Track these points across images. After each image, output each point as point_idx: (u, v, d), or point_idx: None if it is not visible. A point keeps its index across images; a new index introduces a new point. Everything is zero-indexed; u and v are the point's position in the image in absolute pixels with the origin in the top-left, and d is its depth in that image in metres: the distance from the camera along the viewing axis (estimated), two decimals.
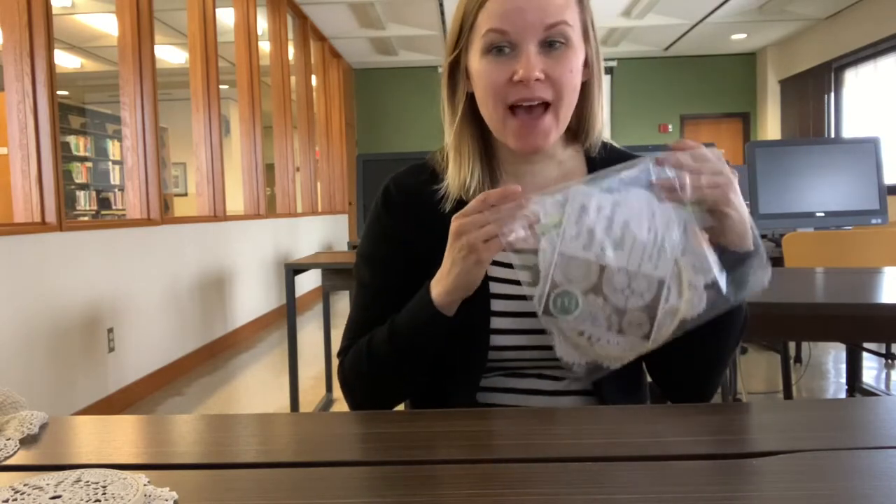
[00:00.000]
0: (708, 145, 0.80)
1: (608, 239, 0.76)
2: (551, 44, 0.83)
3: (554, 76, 0.83)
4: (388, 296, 0.92)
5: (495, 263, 0.90)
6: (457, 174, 0.92)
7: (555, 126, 0.86)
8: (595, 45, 0.90)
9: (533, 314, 0.87)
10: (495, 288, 0.90)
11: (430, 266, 0.86)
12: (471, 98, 0.91)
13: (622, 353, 0.78)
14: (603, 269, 0.77)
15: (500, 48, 0.84)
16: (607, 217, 0.76)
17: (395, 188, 0.96)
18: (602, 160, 0.94)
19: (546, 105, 0.85)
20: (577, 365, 0.80)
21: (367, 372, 0.90)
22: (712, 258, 0.77)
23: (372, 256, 0.96)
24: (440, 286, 0.83)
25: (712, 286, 0.77)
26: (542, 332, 0.87)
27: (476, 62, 0.87)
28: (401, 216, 0.94)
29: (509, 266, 0.89)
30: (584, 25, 0.87)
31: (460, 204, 0.89)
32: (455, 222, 0.79)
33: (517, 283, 0.88)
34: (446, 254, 0.81)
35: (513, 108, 0.85)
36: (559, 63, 0.84)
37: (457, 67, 0.91)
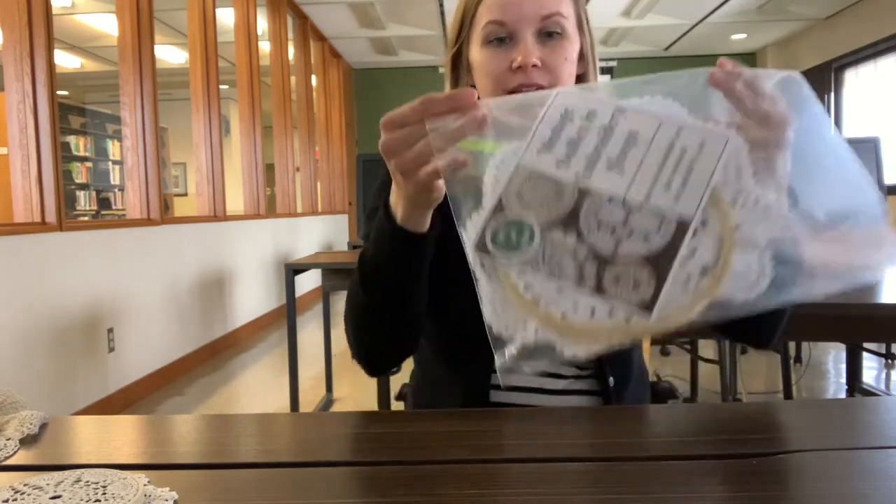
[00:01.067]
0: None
1: (600, 154, 0.52)
2: (549, 34, 0.87)
3: (550, 64, 0.86)
4: None
5: None
6: None
7: None
8: (590, 37, 0.93)
9: None
10: None
11: (439, 250, 0.80)
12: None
13: (596, 328, 0.48)
14: (584, 194, 0.51)
15: (499, 39, 0.87)
16: (603, 126, 0.52)
17: None
18: None
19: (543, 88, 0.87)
20: (508, 341, 0.52)
21: (350, 311, 0.84)
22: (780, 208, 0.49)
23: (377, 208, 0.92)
24: (395, 199, 0.73)
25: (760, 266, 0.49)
26: None
27: (477, 53, 0.90)
28: None
29: None
30: (578, 17, 0.91)
31: None
32: (382, 134, 0.65)
33: None
34: None
35: (512, 93, 0.88)
36: (555, 52, 0.87)
37: (458, 61, 0.95)
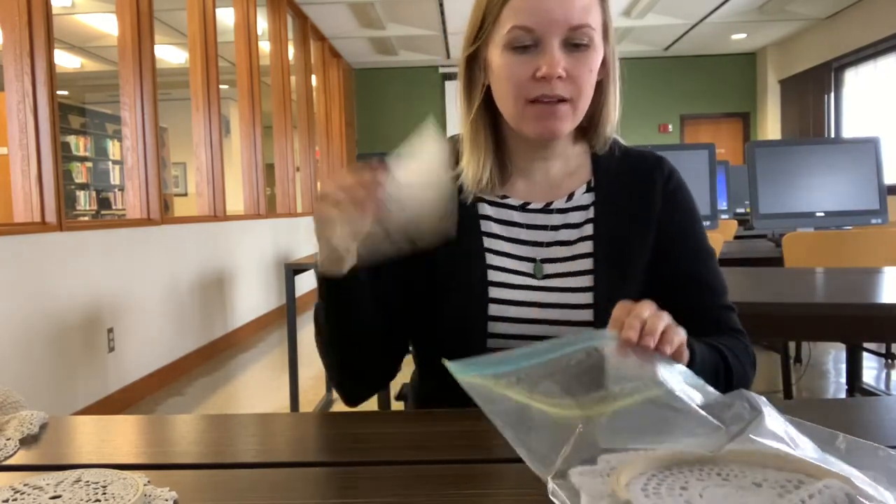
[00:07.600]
0: None
1: None
2: (575, 45, 0.85)
3: (575, 75, 0.85)
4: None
5: (491, 235, 0.93)
6: (470, 166, 0.93)
7: (571, 116, 0.87)
8: (613, 45, 0.91)
9: (529, 287, 0.89)
10: (492, 260, 0.92)
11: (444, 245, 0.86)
12: (486, 89, 0.92)
13: None
14: None
15: (524, 45, 0.85)
16: None
17: None
18: (606, 158, 0.96)
19: (564, 100, 0.86)
20: None
21: (318, 349, 0.90)
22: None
23: None
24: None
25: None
26: (541, 305, 0.89)
27: (497, 56, 0.87)
28: None
29: (507, 239, 0.92)
30: (604, 26, 0.89)
31: (479, 199, 0.93)
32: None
33: (510, 256, 0.91)
34: None
35: (532, 102, 0.86)
36: (580, 63, 0.85)
37: (474, 59, 0.92)
